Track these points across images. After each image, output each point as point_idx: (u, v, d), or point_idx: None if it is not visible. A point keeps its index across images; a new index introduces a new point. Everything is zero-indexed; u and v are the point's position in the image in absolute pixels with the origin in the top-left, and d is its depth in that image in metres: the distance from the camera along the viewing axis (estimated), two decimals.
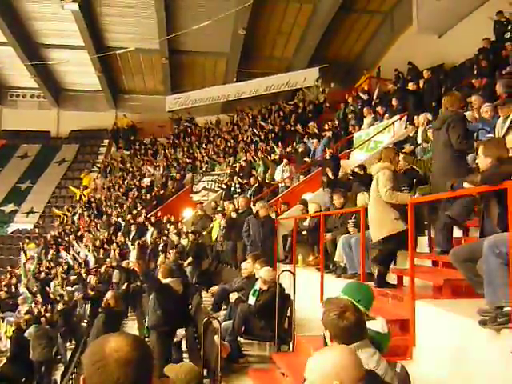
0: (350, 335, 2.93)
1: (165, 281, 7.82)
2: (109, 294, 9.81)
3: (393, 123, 13.46)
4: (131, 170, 27.47)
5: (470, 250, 4.31)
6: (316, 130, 17.75)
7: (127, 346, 1.62)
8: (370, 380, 2.45)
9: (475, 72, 12.91)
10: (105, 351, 1.61)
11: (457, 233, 6.98)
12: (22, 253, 23.96)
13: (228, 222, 12.35)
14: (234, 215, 12.44)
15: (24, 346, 12.64)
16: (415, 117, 11.51)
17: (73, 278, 17.63)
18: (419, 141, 10.38)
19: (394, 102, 14.16)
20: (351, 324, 2.95)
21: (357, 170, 10.64)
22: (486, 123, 8.32)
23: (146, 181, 24.25)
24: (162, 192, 22.35)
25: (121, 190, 25.50)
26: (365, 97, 17.48)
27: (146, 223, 18.64)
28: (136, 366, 1.60)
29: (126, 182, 26.15)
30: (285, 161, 16.26)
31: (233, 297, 8.03)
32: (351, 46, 24.05)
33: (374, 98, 17.34)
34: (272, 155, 18.25)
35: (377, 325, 3.70)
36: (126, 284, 14.36)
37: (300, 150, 16.51)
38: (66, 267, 19.90)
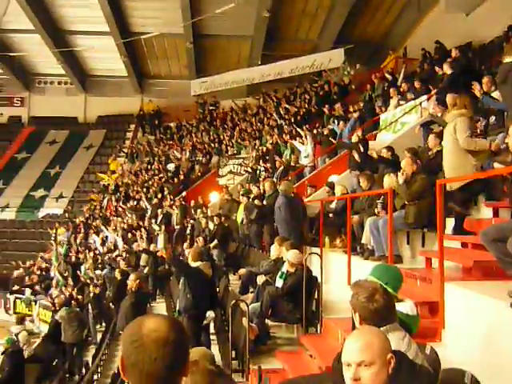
0: (380, 318, 2.93)
1: (195, 264, 7.89)
2: (132, 276, 9.79)
3: (420, 104, 13.25)
4: (158, 154, 27.63)
5: (500, 230, 4.24)
6: (342, 112, 17.57)
7: (165, 327, 1.64)
8: (400, 359, 2.46)
9: (504, 50, 12.61)
10: (143, 331, 1.63)
11: (486, 214, 6.88)
12: (52, 237, 24.40)
13: (258, 208, 12.13)
14: (257, 202, 12.22)
15: (57, 328, 12.93)
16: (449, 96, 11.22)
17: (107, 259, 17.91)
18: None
19: (417, 84, 13.90)
20: (381, 307, 2.94)
21: (384, 151, 10.51)
22: None
23: (171, 166, 24.33)
24: (187, 176, 22.45)
25: (147, 174, 25.70)
26: (390, 77, 17.23)
27: (173, 207, 18.76)
28: (173, 346, 1.63)
29: (152, 167, 26.35)
30: (309, 138, 16.07)
31: (260, 279, 8.06)
32: (377, 26, 23.66)
33: (400, 78, 17.07)
34: (297, 138, 18.13)
35: (405, 307, 3.69)
36: (149, 267, 14.51)
37: (325, 132, 16.39)
38: (95, 251, 20.22)
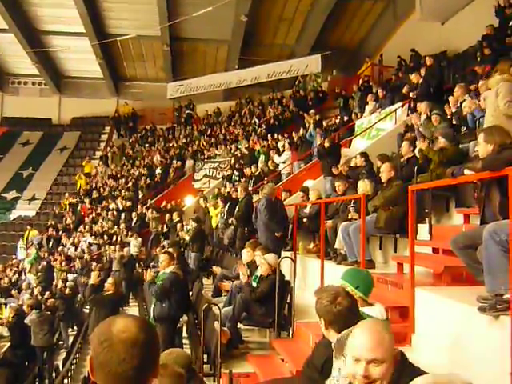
0: (344, 320, 2.92)
1: (168, 269, 7.83)
2: (109, 280, 9.94)
3: (395, 111, 13.41)
4: (132, 157, 27.39)
5: (470, 237, 4.29)
6: (317, 118, 17.66)
7: (134, 328, 1.63)
8: (402, 354, 2.40)
9: (478, 59, 12.82)
10: (112, 331, 1.62)
11: (457, 220, 6.98)
12: (23, 240, 24.00)
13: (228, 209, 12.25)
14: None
15: (25, 332, 12.71)
16: (418, 104, 11.36)
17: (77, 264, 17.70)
18: (421, 129, 10.28)
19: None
20: (344, 308, 2.95)
21: (358, 157, 10.58)
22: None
23: (158, 170, 23.75)
24: (163, 179, 22.31)
25: (122, 177, 25.46)
26: (366, 84, 17.40)
27: (148, 211, 18.65)
28: (142, 347, 1.62)
29: (127, 170, 26.11)
30: (286, 146, 16.15)
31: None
32: (353, 32, 23.87)
33: (376, 85, 17.25)
34: (276, 143, 18.17)
35: (375, 311, 3.71)
36: (122, 271, 14.50)
37: (302, 138, 16.49)
38: (67, 254, 19.96)
